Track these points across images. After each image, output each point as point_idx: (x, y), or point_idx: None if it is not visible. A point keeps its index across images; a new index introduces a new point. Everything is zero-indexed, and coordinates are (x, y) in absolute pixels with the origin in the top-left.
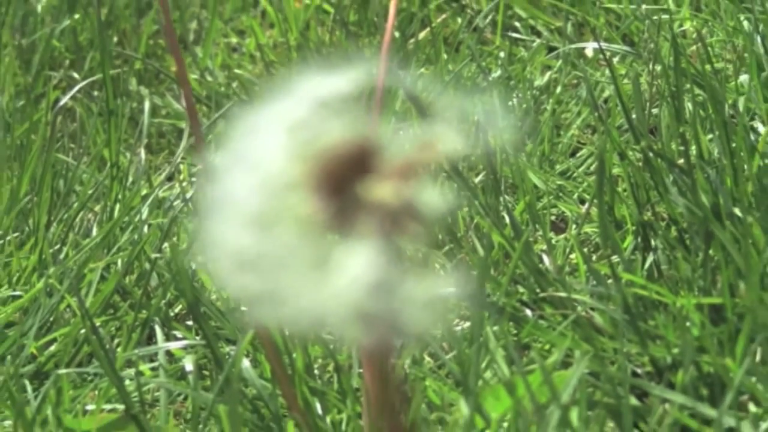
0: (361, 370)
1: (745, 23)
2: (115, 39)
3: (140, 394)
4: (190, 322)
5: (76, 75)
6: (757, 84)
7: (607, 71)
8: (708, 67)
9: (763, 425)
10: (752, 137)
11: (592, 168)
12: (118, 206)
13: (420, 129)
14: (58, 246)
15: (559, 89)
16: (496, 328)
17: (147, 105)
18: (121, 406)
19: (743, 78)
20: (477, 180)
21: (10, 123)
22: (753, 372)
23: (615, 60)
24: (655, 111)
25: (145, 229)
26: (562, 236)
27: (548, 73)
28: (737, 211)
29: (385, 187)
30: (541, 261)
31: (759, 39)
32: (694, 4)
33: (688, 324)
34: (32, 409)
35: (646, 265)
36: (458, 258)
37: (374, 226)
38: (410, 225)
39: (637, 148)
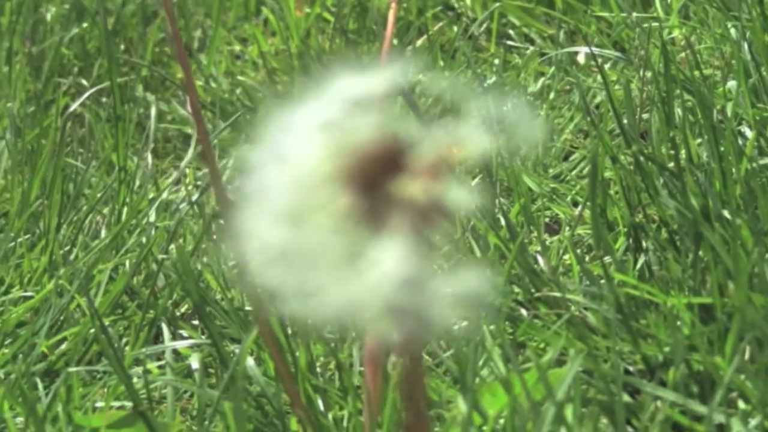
0: (362, 369)
1: (733, 31)
2: (122, 47)
3: (148, 392)
4: (196, 322)
5: (84, 82)
6: (744, 90)
7: (598, 77)
8: (697, 73)
9: (753, 422)
10: (740, 141)
11: (584, 171)
12: (126, 209)
13: (448, 129)
14: (68, 247)
15: (552, 95)
16: (492, 327)
17: (153, 111)
18: (129, 403)
19: (731, 84)
20: (473, 183)
21: (21, 128)
22: (742, 370)
23: (606, 66)
24: (645, 116)
25: (153, 231)
26: (555, 238)
27: (542, 80)
28: (726, 213)
29: (415, 185)
30: (536, 262)
31: (746, 46)
32: (683, 13)
33: (678, 323)
34: (43, 406)
35: (638, 265)
36: (456, 259)
37: (404, 223)
38: (438, 221)
39: (629, 152)
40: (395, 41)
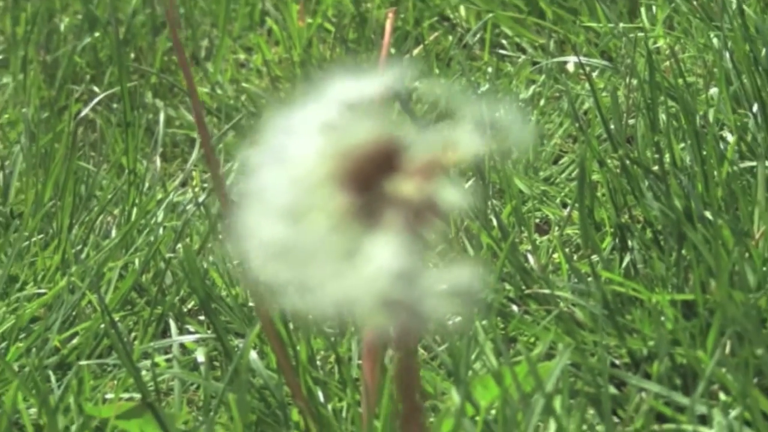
0: (360, 362)
1: (715, 41)
2: (132, 55)
3: (156, 384)
4: (201, 317)
5: (96, 89)
6: (725, 96)
7: (587, 85)
8: (680, 81)
9: (733, 412)
10: (721, 146)
11: (573, 174)
12: (135, 210)
13: (442, 132)
14: (79, 247)
15: (542, 101)
16: (485, 322)
17: (162, 116)
18: (137, 395)
19: (713, 91)
20: (467, 185)
21: (36, 133)
22: (723, 363)
23: (594, 74)
24: (631, 121)
25: (160, 231)
26: (545, 237)
27: (532, 87)
28: (708, 214)
29: (409, 184)
30: (527, 260)
31: (727, 55)
32: (668, 23)
33: (662, 318)
34: (55, 397)
35: (624, 264)
36: (450, 257)
37: (398, 220)
38: (431, 220)
39: (615, 156)
40: (393, 50)
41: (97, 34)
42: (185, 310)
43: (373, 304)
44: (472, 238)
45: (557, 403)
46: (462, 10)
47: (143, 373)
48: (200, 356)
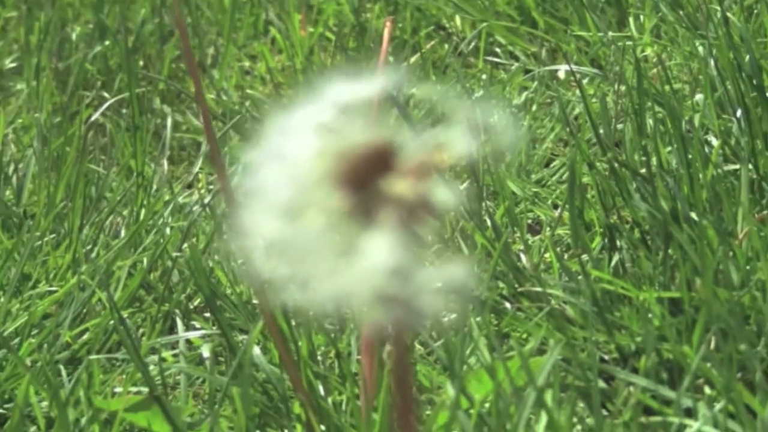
0: (359, 357)
1: (700, 49)
2: (141, 63)
3: (163, 378)
4: (207, 314)
5: (106, 94)
6: (710, 102)
7: (577, 91)
8: (667, 87)
9: (717, 406)
10: (706, 150)
11: (564, 177)
12: (143, 211)
13: (434, 132)
14: (90, 246)
15: (534, 107)
16: (479, 319)
17: (169, 121)
18: (145, 389)
19: (698, 97)
20: (462, 187)
21: (48, 137)
22: (708, 358)
23: (584, 81)
24: (620, 126)
25: (167, 231)
26: (537, 237)
27: (525, 93)
28: (693, 215)
29: (403, 184)
30: (519, 259)
31: (712, 63)
32: (655, 32)
33: (649, 315)
34: (66, 391)
35: (613, 263)
36: (445, 255)
37: (392, 218)
38: (425, 218)
39: (604, 159)
40: (391, 58)
41: (107, 43)
42: (191, 307)
43: (369, 299)
44: (467, 237)
45: (548, 396)
46: (457, 19)
47: (151, 367)
48: (205, 351)
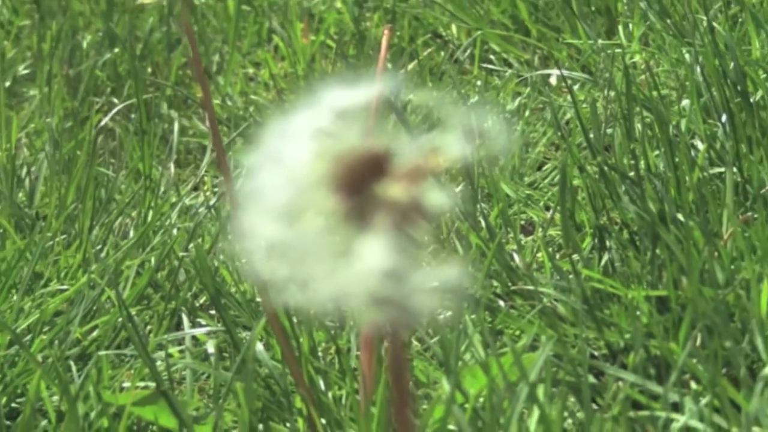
0: (358, 353)
1: (687, 56)
2: (149, 69)
3: (169, 373)
4: (212, 312)
5: (115, 100)
6: (696, 108)
7: (568, 97)
8: (655, 93)
9: (703, 400)
10: (692, 153)
11: (555, 180)
12: (151, 212)
13: (428, 137)
14: (99, 246)
15: (527, 112)
16: (473, 316)
17: (176, 126)
18: (152, 384)
19: (685, 103)
20: (458, 190)
21: (59, 141)
22: (694, 354)
23: (575, 87)
24: (609, 131)
25: (174, 232)
26: (530, 238)
27: (518, 99)
28: (680, 216)
29: (397, 187)
30: (512, 259)
31: (698, 69)
32: (643, 40)
33: (638, 313)
34: (76, 386)
35: (602, 262)
36: (441, 257)
37: (387, 221)
38: (418, 220)
39: (594, 162)
40: (389, 65)
41: (116, 50)
42: (197, 304)
43: (364, 300)
44: (462, 238)
45: (540, 391)
46: (453, 27)
47: (158, 363)
48: (210, 348)
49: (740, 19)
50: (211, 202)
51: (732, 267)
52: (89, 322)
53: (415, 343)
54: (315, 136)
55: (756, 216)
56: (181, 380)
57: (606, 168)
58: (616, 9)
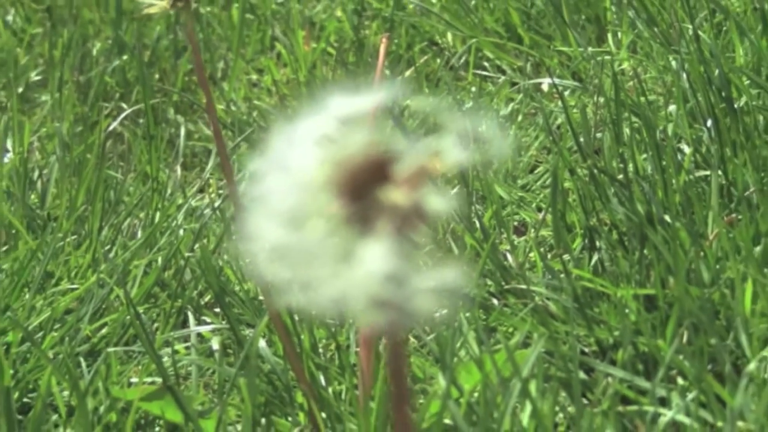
0: (358, 350)
1: (673, 63)
2: (157, 76)
3: (175, 369)
4: (217, 310)
5: (124, 105)
6: (683, 113)
7: (559, 103)
8: (643, 99)
9: (690, 395)
10: (679, 157)
11: (547, 182)
12: (158, 214)
13: (426, 142)
14: (108, 246)
15: (520, 117)
16: (468, 314)
17: (182, 130)
18: (159, 379)
19: (671, 108)
20: (452, 192)
21: (70, 145)
22: (681, 351)
23: (566, 93)
24: (599, 135)
25: (180, 232)
26: (522, 238)
27: (511, 105)
28: (667, 217)
29: (398, 193)
30: (506, 259)
31: (684, 76)
32: (632, 47)
33: (626, 311)
34: (86, 382)
35: (592, 262)
36: (437, 257)
37: (389, 225)
38: (419, 224)
39: (585, 165)
40: (387, 72)
41: (125, 57)
42: (202, 303)
43: (366, 302)
44: (458, 239)
45: (533, 386)
46: (449, 36)
47: (164, 359)
48: (215, 344)
49: (725, 28)
50: (216, 204)
51: (717, 267)
52: (98, 320)
53: (412, 340)
54: (319, 143)
55: (740, 217)
56: (186, 376)
57: (596, 171)
58: (605, 18)
